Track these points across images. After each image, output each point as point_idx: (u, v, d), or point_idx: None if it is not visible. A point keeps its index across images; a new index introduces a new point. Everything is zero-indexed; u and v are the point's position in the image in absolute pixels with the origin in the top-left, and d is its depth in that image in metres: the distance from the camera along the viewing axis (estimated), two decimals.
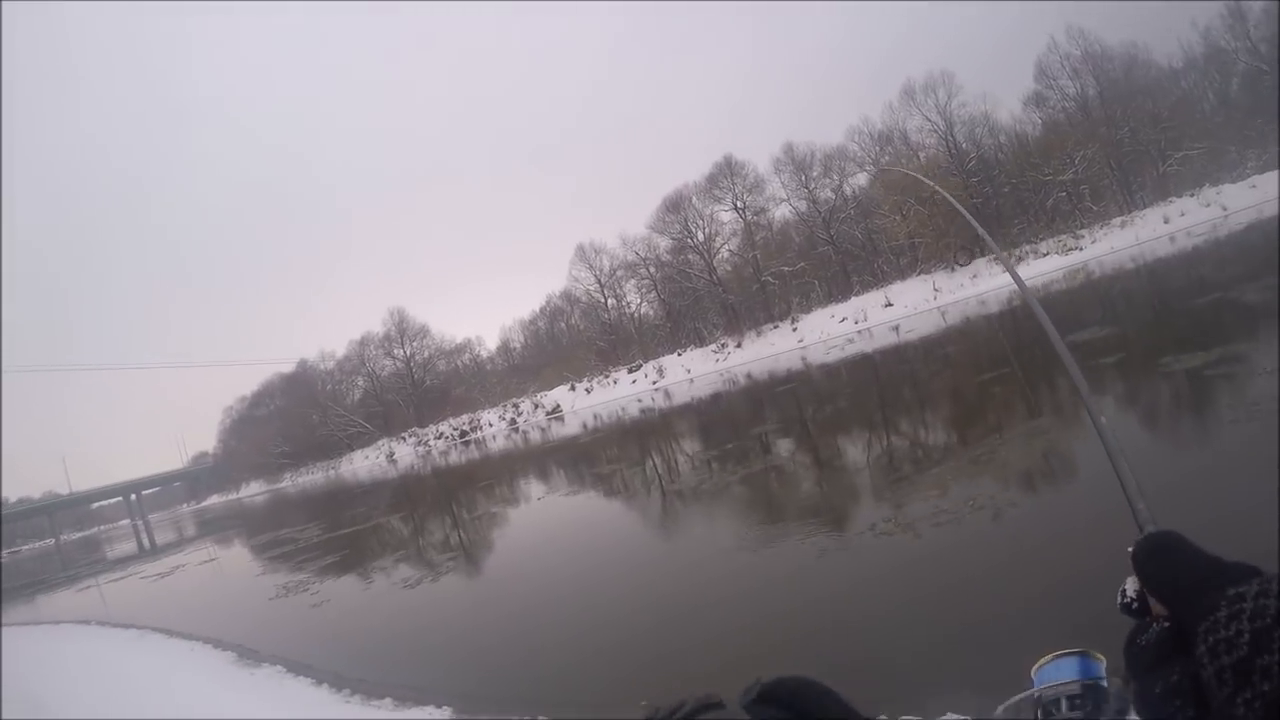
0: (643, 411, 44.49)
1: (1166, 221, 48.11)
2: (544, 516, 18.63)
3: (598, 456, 28.74)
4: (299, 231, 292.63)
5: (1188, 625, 0.64)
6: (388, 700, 8.49)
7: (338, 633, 12.84)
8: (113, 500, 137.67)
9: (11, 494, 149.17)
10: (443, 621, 11.91)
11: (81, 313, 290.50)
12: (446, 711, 7.68)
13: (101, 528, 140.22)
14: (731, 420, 27.76)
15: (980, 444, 12.31)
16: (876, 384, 25.13)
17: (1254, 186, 44.94)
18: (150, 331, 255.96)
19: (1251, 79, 55.61)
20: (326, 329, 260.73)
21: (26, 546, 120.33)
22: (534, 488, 25.02)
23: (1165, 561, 0.73)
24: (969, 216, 1.80)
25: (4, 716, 7.99)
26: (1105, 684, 1.03)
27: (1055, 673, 1.05)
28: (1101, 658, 1.04)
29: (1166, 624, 0.70)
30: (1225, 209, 44.99)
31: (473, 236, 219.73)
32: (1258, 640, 0.55)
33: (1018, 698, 1.09)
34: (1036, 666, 1.07)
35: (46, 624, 22.40)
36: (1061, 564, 6.82)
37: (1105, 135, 57.44)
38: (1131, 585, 0.80)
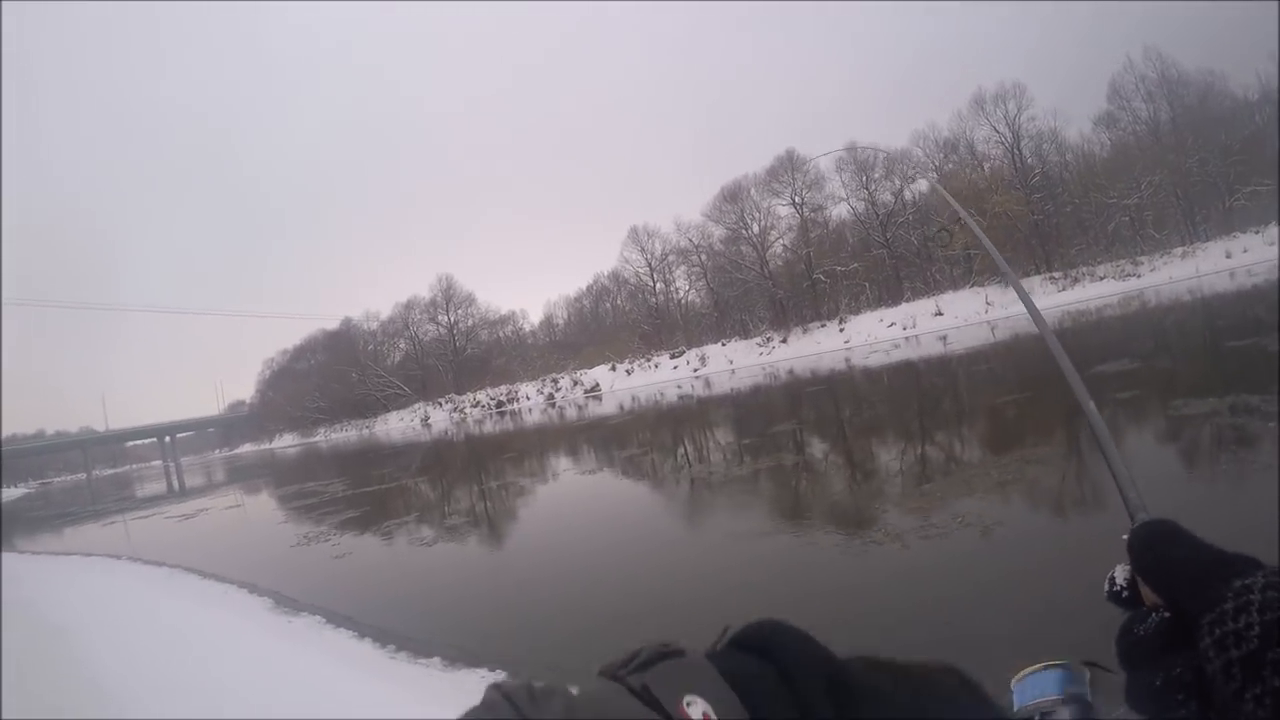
0: (680, 398, 44.61)
1: (1228, 256, 47.10)
2: (573, 491, 18.82)
3: (629, 438, 28.90)
4: (358, 193, 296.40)
5: (1190, 617, 0.62)
6: (436, 659, 8.27)
7: (370, 587, 12.75)
8: (147, 440, 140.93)
9: (49, 426, 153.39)
10: (468, 583, 12.03)
11: (136, 254, 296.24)
12: (499, 674, 7.48)
13: (134, 466, 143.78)
14: (767, 414, 27.77)
15: (996, 462, 12.36)
16: (916, 393, 24.99)
17: None
18: (199, 278, 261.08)
19: None
20: (374, 291, 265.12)
21: (58, 479, 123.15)
22: (564, 462, 25.18)
23: (1164, 551, 0.70)
24: (986, 240, 1.91)
25: (4, 717, 8.14)
26: (1088, 698, 1.01)
27: (1036, 686, 1.03)
28: (1084, 669, 1.02)
29: (1165, 614, 0.67)
30: None
31: (529, 211, 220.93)
32: (1268, 633, 0.53)
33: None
34: (1017, 679, 1.05)
35: (77, 555, 22.48)
36: (1039, 585, 7.08)
37: (1174, 162, 56.23)
38: (1121, 573, 0.77)
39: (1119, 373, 17.36)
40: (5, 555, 25.18)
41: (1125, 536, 0.77)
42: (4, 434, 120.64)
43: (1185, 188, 57.07)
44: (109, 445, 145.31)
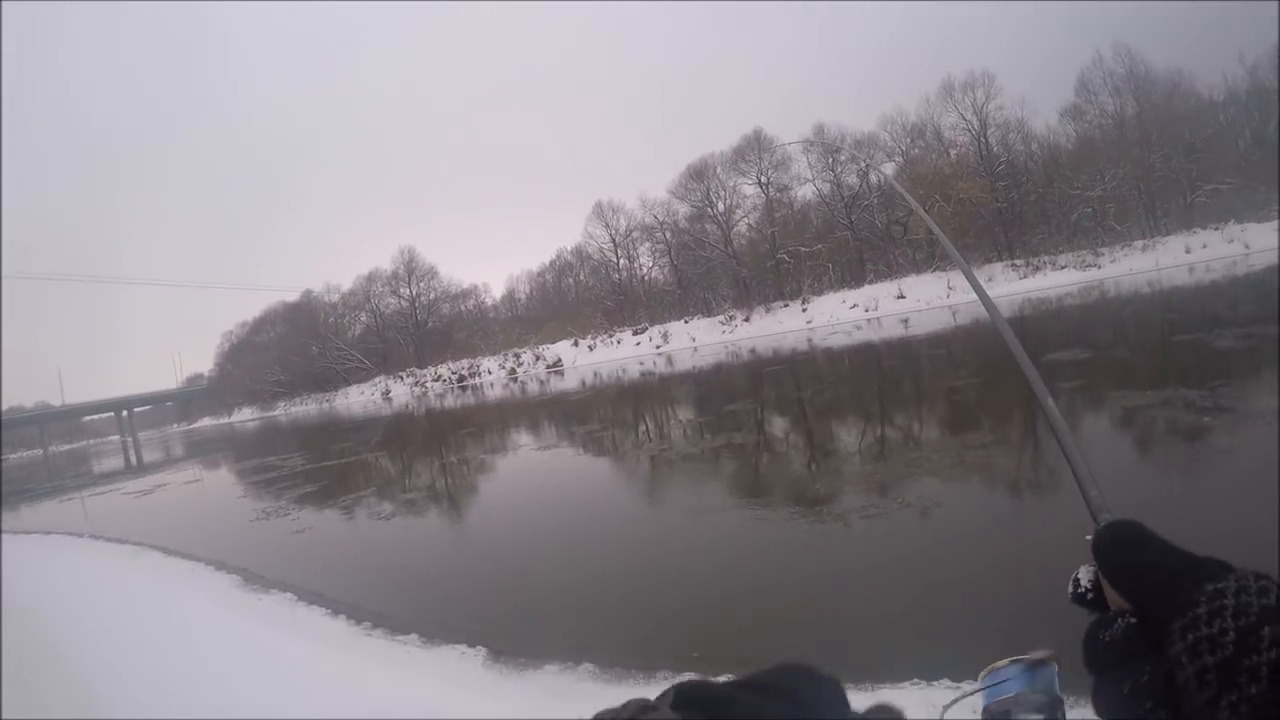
0: (642, 374, 44.63)
1: (1188, 251, 48.04)
2: (532, 466, 18.68)
3: (589, 414, 29.03)
4: (319, 163, 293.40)
5: (1159, 621, 0.60)
6: (414, 635, 8.23)
7: (337, 563, 12.63)
8: (104, 415, 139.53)
9: (4, 402, 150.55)
10: (434, 558, 12.01)
11: (92, 225, 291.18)
12: (480, 650, 7.48)
13: (91, 441, 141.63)
14: (727, 392, 27.74)
15: (948, 444, 12.44)
16: (876, 375, 25.00)
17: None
18: (157, 249, 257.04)
19: None
20: (335, 263, 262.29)
21: (14, 455, 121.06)
22: (525, 437, 25.09)
23: (1132, 553, 0.68)
24: (940, 233, 1.80)
25: (4, 717, 7.93)
26: (1058, 693, 0.93)
27: (1004, 680, 0.95)
28: (1054, 664, 0.94)
29: (1133, 619, 0.65)
30: (1248, 247, 44.61)
31: (491, 184, 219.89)
32: (1244, 639, 0.52)
33: (961, 697, 1.00)
34: (985, 672, 0.97)
35: (36, 534, 22.01)
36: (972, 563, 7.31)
37: (1138, 157, 56.99)
38: (1086, 575, 0.74)
39: (1072, 361, 17.60)
40: None
41: (1089, 537, 0.74)
42: None
43: (1148, 182, 57.82)
44: (65, 420, 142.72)
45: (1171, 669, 0.57)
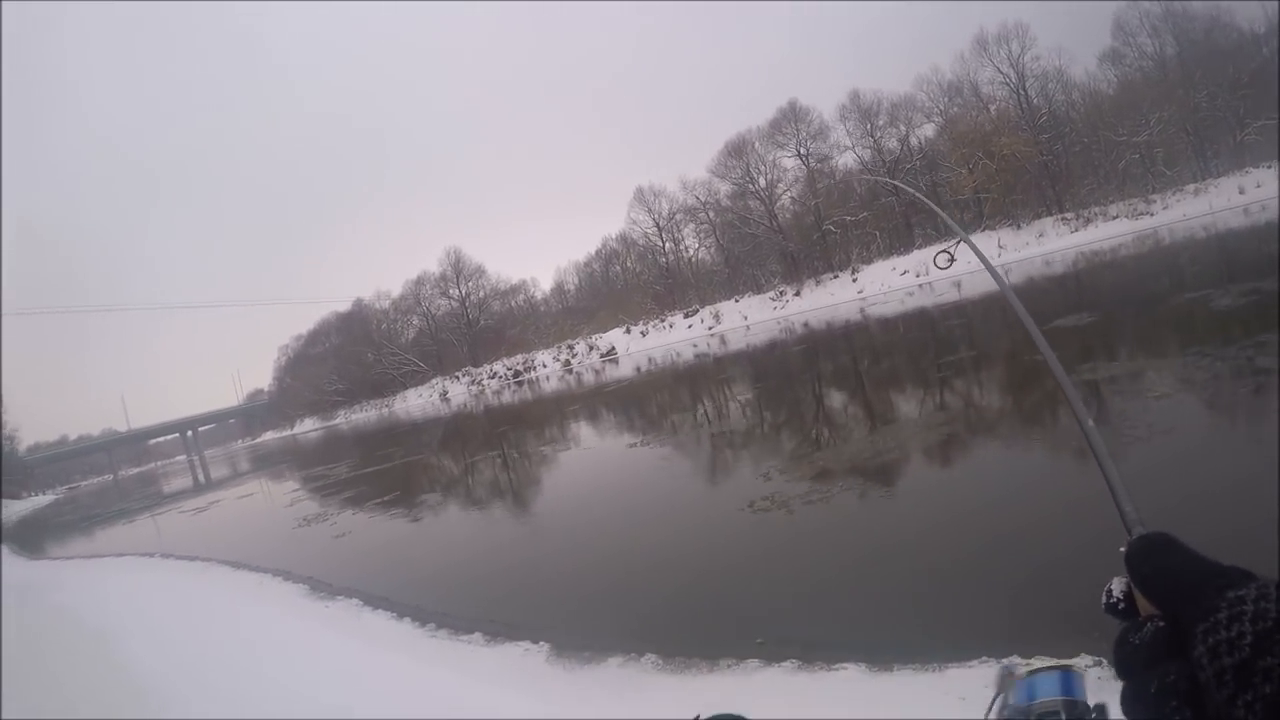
0: (696, 357, 44.73)
1: (1242, 192, 46.62)
2: (588, 457, 19.05)
3: (639, 402, 29.63)
4: (362, 175, 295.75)
5: (1185, 626, 0.63)
6: (477, 635, 8.29)
7: (399, 566, 12.84)
8: (169, 437, 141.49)
9: (72, 432, 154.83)
10: (498, 558, 12.03)
11: (142, 253, 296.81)
12: (543, 646, 7.54)
13: (158, 463, 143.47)
14: (783, 370, 27.98)
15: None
16: (934, 342, 25.01)
17: None
18: (209, 272, 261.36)
19: None
20: (384, 271, 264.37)
21: (85, 482, 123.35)
22: (583, 430, 25.41)
23: (1161, 563, 0.73)
24: (932, 204, 2.10)
25: (4, 717, 8.30)
26: (1088, 701, 1.03)
27: (1037, 688, 1.05)
28: (1083, 671, 1.04)
29: (1161, 624, 0.69)
30: None
31: (531, 180, 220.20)
32: (1260, 643, 0.55)
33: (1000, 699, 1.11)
34: (1015, 681, 1.08)
35: (109, 556, 22.32)
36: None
37: (1182, 98, 55.37)
38: (1118, 586, 0.80)
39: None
40: (39, 562, 25.76)
41: (1123, 549, 0.79)
42: (29, 443, 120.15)
43: (1194, 123, 56.25)
44: (132, 445, 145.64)
45: (1194, 670, 0.60)
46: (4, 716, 8.13)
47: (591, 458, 18.93)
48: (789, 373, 26.16)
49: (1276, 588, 0.59)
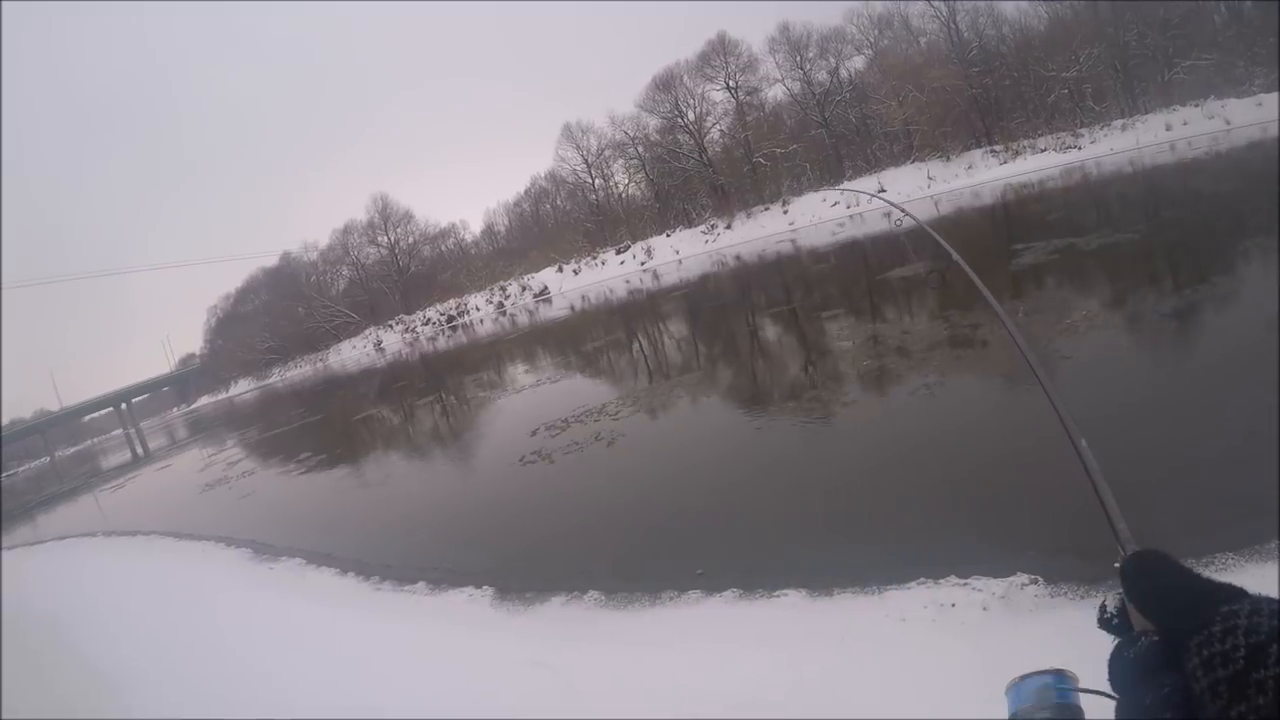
0: (630, 293, 44.62)
1: (1168, 129, 47.20)
2: (526, 399, 18.82)
3: (584, 336, 29.43)
4: (279, 123, 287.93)
5: (1179, 640, 0.64)
6: (421, 584, 8.45)
7: (336, 522, 12.95)
8: (104, 411, 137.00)
9: (3, 416, 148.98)
10: (441, 505, 12.20)
11: (56, 221, 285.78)
12: (487, 591, 7.66)
13: (95, 440, 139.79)
14: (718, 304, 27.96)
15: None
16: (865, 271, 24.88)
17: (1260, 104, 43.80)
18: (129, 236, 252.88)
19: None
20: (309, 222, 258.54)
21: (22, 468, 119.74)
22: (518, 371, 25.38)
23: (1155, 579, 0.74)
24: (886, 199, 1.65)
25: (4, 717, 7.91)
26: (1079, 703, 0.95)
27: (1031, 692, 0.96)
28: (1075, 676, 0.96)
29: (1155, 638, 0.69)
30: (1229, 123, 43.97)
31: (454, 120, 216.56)
32: (1253, 655, 0.56)
33: None
34: (1010, 684, 0.98)
35: (50, 541, 22.53)
36: None
37: (1112, 36, 55.93)
38: (1112, 601, 0.82)
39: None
40: None
41: (1117, 565, 0.81)
42: None
43: (1124, 61, 56.77)
44: (67, 423, 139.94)
45: (1189, 683, 0.61)
46: (4, 717, 7.83)
47: (528, 400, 18.68)
48: (723, 306, 25.99)
49: (1269, 603, 0.61)
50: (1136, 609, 0.75)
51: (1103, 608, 0.81)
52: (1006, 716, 0.97)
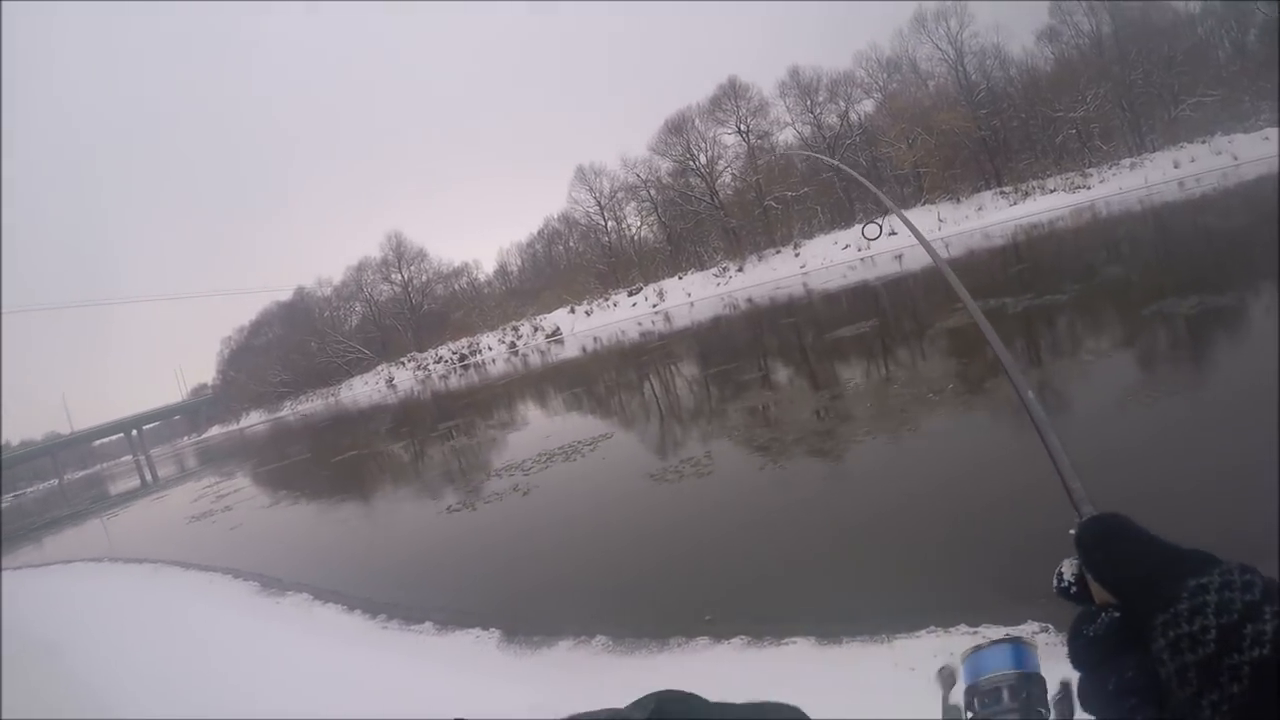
0: (642, 335, 44.51)
1: (1176, 166, 47.44)
2: (540, 439, 18.63)
3: (585, 381, 29.60)
4: (298, 161, 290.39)
5: (1142, 616, 0.59)
6: (428, 624, 8.41)
7: (348, 559, 12.92)
8: (114, 437, 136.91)
9: (13, 437, 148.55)
10: (448, 547, 12.13)
11: (76, 249, 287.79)
12: (494, 633, 7.65)
13: (104, 465, 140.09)
14: (729, 345, 28.00)
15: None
16: (877, 314, 25.00)
17: (1266, 139, 43.93)
18: (147, 265, 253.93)
19: (1269, 31, 53.69)
20: (324, 257, 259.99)
21: (31, 489, 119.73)
22: (531, 411, 25.54)
23: (1114, 547, 0.66)
24: (866, 182, 1.79)
25: (4, 717, 7.98)
26: (1041, 673, 0.96)
27: (988, 661, 0.97)
28: (1035, 645, 0.96)
29: (1116, 614, 0.63)
30: (1236, 158, 44.39)
31: (472, 162, 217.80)
32: (1225, 637, 0.51)
33: (950, 691, 1.03)
34: (964, 656, 0.99)
35: (56, 564, 22.40)
36: None
37: (1118, 75, 56.40)
38: (1069, 568, 0.72)
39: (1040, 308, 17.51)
40: None
41: (1072, 531, 0.72)
42: None
43: (1130, 100, 57.25)
44: (77, 447, 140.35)
45: (1154, 665, 0.56)
46: (4, 717, 7.88)
47: (534, 438, 18.62)
48: (734, 349, 26.07)
49: (1241, 572, 0.55)
50: (1095, 580, 0.67)
51: (1059, 575, 0.73)
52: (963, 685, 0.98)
